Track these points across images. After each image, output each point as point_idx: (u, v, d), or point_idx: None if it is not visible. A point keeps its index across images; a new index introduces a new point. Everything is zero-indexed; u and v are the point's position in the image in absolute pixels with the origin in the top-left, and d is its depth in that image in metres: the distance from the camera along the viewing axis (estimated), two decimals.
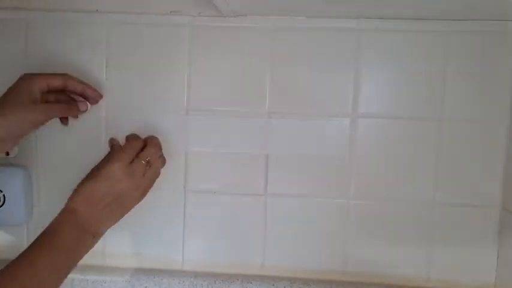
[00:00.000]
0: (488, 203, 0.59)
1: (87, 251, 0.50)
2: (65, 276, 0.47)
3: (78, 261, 0.49)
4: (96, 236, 0.51)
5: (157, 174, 0.57)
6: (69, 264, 0.48)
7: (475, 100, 0.59)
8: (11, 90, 0.53)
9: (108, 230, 0.65)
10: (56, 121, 0.60)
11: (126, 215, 0.62)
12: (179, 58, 0.61)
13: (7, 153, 0.63)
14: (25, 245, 0.65)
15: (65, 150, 0.63)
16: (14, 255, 0.65)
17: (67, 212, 0.50)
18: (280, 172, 0.61)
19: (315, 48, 0.60)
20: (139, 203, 0.55)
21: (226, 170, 0.62)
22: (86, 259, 0.64)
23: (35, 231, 0.65)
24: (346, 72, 0.60)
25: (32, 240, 0.65)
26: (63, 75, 0.56)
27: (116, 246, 0.64)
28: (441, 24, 0.58)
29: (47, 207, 0.64)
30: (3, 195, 0.61)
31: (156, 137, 0.60)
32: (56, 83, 0.55)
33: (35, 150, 0.63)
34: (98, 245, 0.64)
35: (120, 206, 0.53)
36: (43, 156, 0.64)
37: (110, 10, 0.61)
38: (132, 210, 0.63)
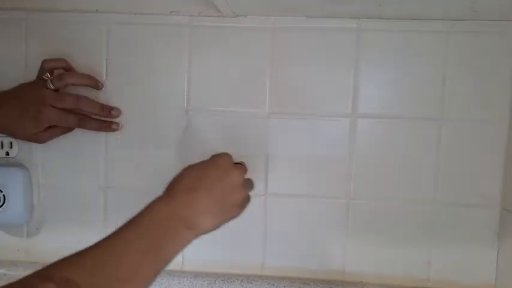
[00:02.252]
0: (488, 203, 0.59)
1: (183, 245, 0.43)
2: (156, 270, 0.40)
3: (173, 254, 0.42)
4: (193, 228, 0.43)
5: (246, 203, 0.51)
6: (161, 255, 0.41)
7: (475, 100, 0.59)
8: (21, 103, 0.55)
9: (109, 229, 0.65)
10: None
11: (126, 215, 0.62)
12: (179, 58, 0.61)
13: (7, 153, 0.63)
14: (25, 245, 0.65)
15: (65, 150, 0.63)
16: (14, 255, 0.65)
17: (162, 198, 0.45)
18: (280, 172, 0.61)
19: (315, 48, 0.60)
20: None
21: None
22: None
23: (34, 231, 0.65)
24: (346, 72, 0.60)
25: (31, 240, 0.66)
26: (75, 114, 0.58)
27: None
28: (441, 24, 0.58)
29: (47, 207, 0.64)
30: (3, 195, 0.61)
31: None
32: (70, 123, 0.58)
33: (35, 150, 0.63)
34: None
35: (223, 200, 0.46)
36: (43, 156, 0.64)
37: (110, 10, 0.61)
38: (131, 210, 0.63)
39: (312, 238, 0.62)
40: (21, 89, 0.57)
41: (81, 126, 0.59)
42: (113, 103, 0.62)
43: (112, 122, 0.61)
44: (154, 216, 0.43)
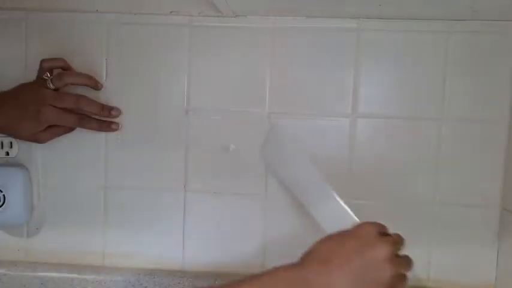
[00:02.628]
0: (488, 203, 0.59)
1: None
2: None
3: None
4: None
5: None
6: None
7: (475, 100, 0.59)
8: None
9: (109, 229, 0.66)
10: None
11: (126, 215, 0.62)
12: (179, 58, 0.61)
13: (7, 153, 0.63)
14: (25, 245, 0.65)
15: (65, 150, 0.63)
16: (13, 255, 0.65)
17: (294, 263, 0.41)
18: None
19: (315, 48, 0.60)
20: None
21: (226, 170, 0.62)
22: (86, 259, 0.64)
23: (34, 231, 0.65)
24: (346, 72, 0.60)
25: (31, 240, 0.65)
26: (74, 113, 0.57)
27: (116, 246, 0.64)
28: (441, 24, 0.58)
29: (47, 207, 0.64)
30: (3, 195, 0.61)
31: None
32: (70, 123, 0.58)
33: (35, 150, 0.63)
34: (98, 245, 0.64)
35: (362, 275, 0.39)
36: (43, 156, 0.64)
37: (110, 10, 0.61)
38: (131, 210, 0.63)
39: (311, 238, 0.62)
40: (21, 89, 0.57)
41: (81, 126, 0.59)
42: (113, 103, 0.62)
43: (112, 122, 0.61)
44: (280, 279, 0.40)
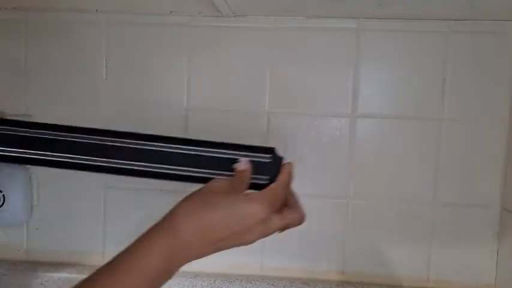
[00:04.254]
0: (488, 203, 0.59)
1: (165, 281, 0.39)
2: None
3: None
4: (179, 267, 0.39)
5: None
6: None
7: (475, 100, 0.59)
8: None
9: (109, 229, 0.66)
10: (57, 122, 0.60)
11: (126, 215, 0.62)
12: (179, 58, 0.61)
13: None
14: (24, 244, 0.65)
15: None
16: (13, 255, 0.65)
17: (171, 231, 0.39)
18: None
19: (315, 48, 0.60)
20: None
21: None
22: (86, 259, 0.64)
23: (34, 231, 0.65)
24: (346, 72, 0.60)
25: (31, 240, 0.66)
26: None
27: (116, 246, 0.64)
28: (441, 24, 0.58)
29: (47, 207, 0.64)
30: (3, 195, 0.61)
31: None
32: None
33: None
34: (98, 245, 0.64)
35: (219, 248, 0.41)
36: None
37: (110, 10, 0.61)
38: (131, 210, 0.63)
39: (312, 238, 0.62)
40: None
41: None
42: (113, 103, 0.62)
43: None
44: (151, 249, 0.39)
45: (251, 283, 0.61)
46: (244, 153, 0.46)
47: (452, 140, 0.59)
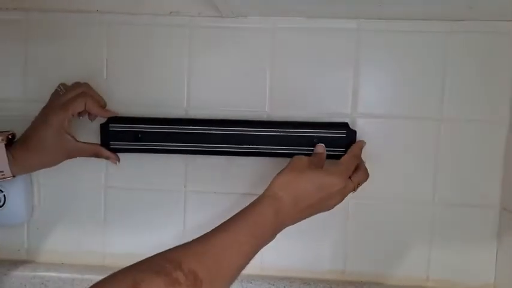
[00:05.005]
0: (487, 203, 0.59)
1: (268, 242, 0.46)
2: (251, 257, 0.43)
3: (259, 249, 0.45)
4: (280, 231, 0.47)
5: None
6: (258, 247, 0.44)
7: (475, 100, 0.59)
8: (42, 130, 0.55)
9: (109, 229, 0.66)
10: None
11: (126, 215, 0.62)
12: (179, 58, 0.61)
13: None
14: (25, 244, 0.65)
15: None
16: (14, 255, 0.65)
17: (273, 198, 0.47)
18: None
19: (315, 48, 0.60)
20: None
21: (226, 170, 0.62)
22: (86, 259, 0.64)
23: (35, 231, 0.65)
24: (346, 72, 0.60)
25: (31, 240, 0.66)
26: (82, 97, 0.56)
27: (116, 246, 0.64)
28: (441, 24, 0.58)
29: (47, 207, 0.64)
30: (4, 195, 0.61)
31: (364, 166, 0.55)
32: (79, 109, 0.56)
33: None
34: (98, 245, 0.64)
35: (310, 213, 0.49)
36: None
37: (110, 10, 0.61)
38: (131, 210, 0.63)
39: (312, 238, 0.62)
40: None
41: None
42: (113, 103, 0.61)
43: None
44: (262, 210, 0.46)
45: (251, 283, 0.61)
46: (322, 130, 0.57)
47: (452, 140, 0.59)
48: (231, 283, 0.41)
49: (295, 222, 0.49)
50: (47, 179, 0.64)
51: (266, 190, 0.48)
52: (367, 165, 0.60)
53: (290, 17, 0.59)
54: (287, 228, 0.61)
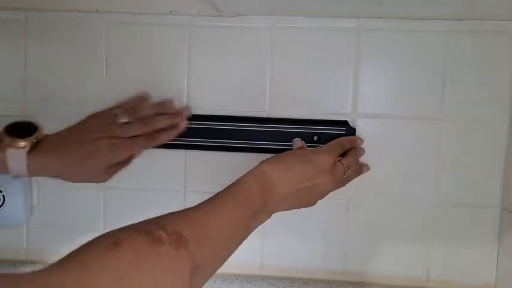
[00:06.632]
0: (488, 203, 0.59)
1: (260, 223, 0.45)
2: (243, 238, 0.42)
3: (257, 223, 0.44)
4: (271, 212, 0.46)
5: (343, 184, 0.53)
6: (247, 225, 0.42)
7: (475, 100, 0.59)
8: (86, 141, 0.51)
9: (109, 229, 0.65)
10: (57, 123, 0.60)
11: (126, 215, 0.62)
12: (179, 58, 0.61)
13: None
14: (25, 245, 0.65)
15: None
16: (13, 255, 0.65)
17: (259, 173, 0.45)
18: None
19: (315, 48, 0.60)
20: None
21: (226, 170, 0.62)
22: None
23: (34, 231, 0.65)
24: (346, 72, 0.60)
25: (30, 240, 0.65)
26: (145, 141, 0.53)
27: None
28: (441, 24, 0.58)
29: (47, 207, 0.64)
30: (3, 195, 0.61)
31: (360, 149, 0.58)
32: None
33: None
34: None
35: (305, 197, 0.48)
36: None
37: (110, 10, 0.61)
38: (131, 210, 0.63)
39: (311, 238, 0.62)
40: (87, 126, 0.53)
41: (150, 146, 0.55)
42: (113, 103, 0.61)
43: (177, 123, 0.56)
44: (247, 184, 0.44)
45: (251, 283, 0.61)
46: (322, 126, 0.59)
47: (452, 140, 0.59)
48: (225, 252, 0.40)
49: (289, 204, 0.47)
50: (47, 179, 0.64)
51: (252, 169, 0.46)
52: (367, 164, 0.60)
53: (290, 16, 0.59)
54: (287, 228, 0.62)
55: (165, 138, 0.55)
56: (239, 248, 0.62)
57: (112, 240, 0.32)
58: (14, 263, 0.64)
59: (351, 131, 0.59)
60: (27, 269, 0.63)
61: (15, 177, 0.50)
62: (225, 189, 0.43)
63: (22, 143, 0.48)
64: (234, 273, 0.63)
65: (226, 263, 0.63)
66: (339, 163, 0.51)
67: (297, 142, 0.56)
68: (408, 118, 0.59)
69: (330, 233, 0.62)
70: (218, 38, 0.60)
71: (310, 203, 0.50)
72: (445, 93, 0.59)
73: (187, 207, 0.39)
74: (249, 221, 0.42)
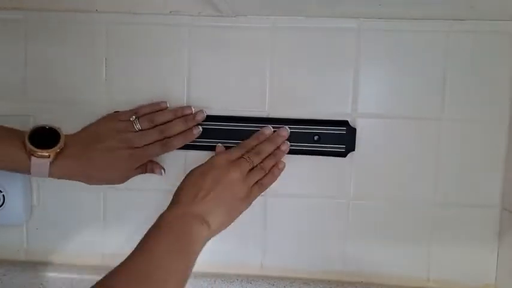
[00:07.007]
0: (488, 203, 0.59)
1: (201, 242, 0.47)
2: (187, 269, 0.44)
3: (197, 251, 0.46)
4: (207, 223, 0.47)
5: (264, 187, 0.55)
6: (187, 254, 0.44)
7: (475, 100, 0.59)
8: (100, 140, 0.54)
9: (109, 229, 0.65)
10: (57, 123, 0.60)
11: (126, 215, 0.62)
12: (179, 58, 0.61)
13: None
14: (24, 245, 0.65)
15: None
16: (13, 255, 0.65)
17: (171, 205, 0.49)
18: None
19: (315, 48, 0.60)
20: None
21: None
22: (86, 259, 0.64)
23: (34, 231, 0.65)
24: (346, 72, 0.60)
25: (30, 241, 0.65)
26: (161, 148, 0.56)
27: (116, 246, 0.64)
28: (441, 24, 0.58)
29: (47, 207, 0.64)
30: (3, 195, 0.61)
31: (280, 151, 0.58)
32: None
33: None
34: (98, 245, 0.64)
35: (226, 197, 0.50)
36: None
37: (110, 10, 0.61)
38: (131, 210, 0.63)
39: (311, 238, 0.62)
40: (103, 135, 0.55)
41: (167, 150, 0.57)
42: (113, 103, 0.61)
43: (193, 127, 0.58)
44: (170, 221, 0.46)
45: (251, 283, 0.61)
46: (322, 126, 0.59)
47: (452, 140, 0.59)
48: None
49: (218, 215, 0.49)
50: (46, 179, 0.64)
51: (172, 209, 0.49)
52: (367, 164, 0.60)
53: (290, 16, 0.59)
54: (287, 228, 0.62)
55: (180, 142, 0.57)
56: (239, 248, 0.63)
57: None
58: (14, 263, 0.64)
59: (351, 131, 0.59)
60: (27, 269, 0.63)
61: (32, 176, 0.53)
62: (150, 233, 0.45)
63: (46, 153, 0.50)
64: (234, 273, 0.63)
65: (226, 263, 0.63)
66: (242, 158, 0.53)
67: (218, 147, 0.59)
68: (408, 118, 0.59)
69: (330, 233, 0.62)
70: (218, 38, 0.60)
71: (234, 204, 0.51)
72: (445, 93, 0.59)
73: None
74: (189, 254, 0.45)
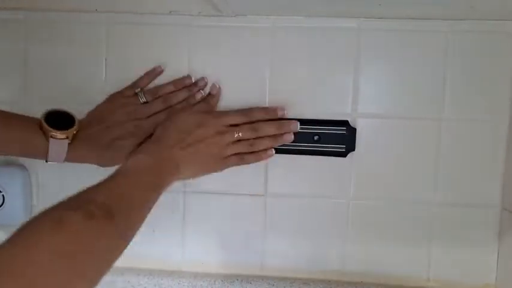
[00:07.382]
0: (488, 203, 0.59)
1: (170, 184, 0.49)
2: (153, 203, 0.47)
3: (162, 191, 0.48)
4: (178, 171, 0.50)
5: (244, 161, 0.57)
6: (157, 192, 0.47)
7: (475, 100, 0.59)
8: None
9: None
10: None
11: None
12: (179, 58, 0.61)
13: None
14: None
15: None
16: None
17: (153, 141, 0.52)
18: (280, 172, 0.61)
19: (315, 48, 0.60)
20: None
21: (226, 170, 0.62)
22: None
23: None
24: (346, 72, 0.60)
25: None
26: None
27: None
28: (441, 24, 0.58)
29: (47, 207, 0.64)
30: (3, 195, 0.61)
31: (268, 126, 0.57)
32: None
33: None
34: None
35: (203, 157, 0.53)
36: None
37: (110, 10, 0.61)
38: None
39: (311, 238, 0.62)
40: (110, 108, 0.57)
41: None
42: None
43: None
44: (150, 157, 0.48)
45: (251, 283, 0.61)
46: (323, 126, 0.59)
47: (452, 140, 0.59)
48: (142, 217, 0.44)
49: (191, 175, 0.54)
50: (46, 179, 0.64)
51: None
52: (367, 164, 0.60)
53: (290, 16, 0.59)
54: (287, 228, 0.62)
55: (182, 107, 0.59)
56: (239, 248, 0.63)
57: (57, 219, 0.36)
58: None
59: (351, 131, 0.59)
60: None
61: (48, 161, 0.52)
62: (132, 162, 0.47)
63: (64, 135, 0.50)
64: (234, 273, 0.63)
65: (226, 263, 0.63)
66: (233, 127, 0.55)
67: (213, 87, 0.60)
68: (408, 118, 0.59)
69: (330, 233, 0.62)
70: (218, 38, 0.60)
71: (212, 165, 0.55)
72: (445, 93, 0.59)
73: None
74: (159, 187, 0.47)
